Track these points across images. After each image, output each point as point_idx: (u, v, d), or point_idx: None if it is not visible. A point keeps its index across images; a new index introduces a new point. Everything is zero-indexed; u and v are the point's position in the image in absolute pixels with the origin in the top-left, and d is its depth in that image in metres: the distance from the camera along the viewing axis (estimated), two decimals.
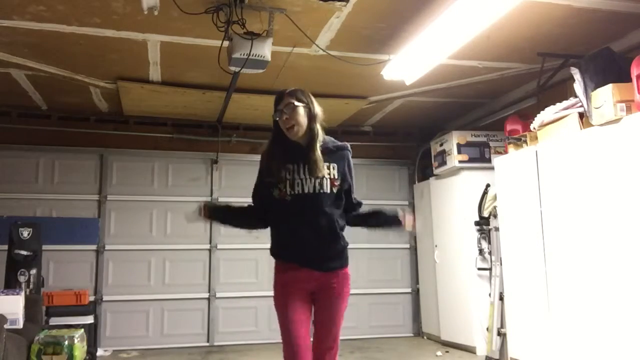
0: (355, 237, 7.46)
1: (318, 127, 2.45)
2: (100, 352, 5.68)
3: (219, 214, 2.64)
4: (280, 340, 2.37)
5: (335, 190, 2.42)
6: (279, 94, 2.48)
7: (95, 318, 5.44)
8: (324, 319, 2.43)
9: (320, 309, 2.44)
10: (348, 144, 2.58)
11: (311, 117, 2.44)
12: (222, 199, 6.52)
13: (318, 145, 2.42)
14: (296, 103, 2.41)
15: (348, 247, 2.51)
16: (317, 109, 2.47)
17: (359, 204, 2.61)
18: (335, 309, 2.43)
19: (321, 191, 2.38)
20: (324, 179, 2.39)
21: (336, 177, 2.43)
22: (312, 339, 2.46)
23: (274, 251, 2.50)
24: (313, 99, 2.49)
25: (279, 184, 2.38)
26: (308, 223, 2.38)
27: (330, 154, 2.47)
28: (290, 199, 2.36)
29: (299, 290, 2.40)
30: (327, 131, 2.58)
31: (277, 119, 2.43)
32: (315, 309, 2.45)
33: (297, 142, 2.45)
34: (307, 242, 2.39)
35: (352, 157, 2.60)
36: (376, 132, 7.09)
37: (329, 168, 2.43)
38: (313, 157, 2.39)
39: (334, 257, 2.44)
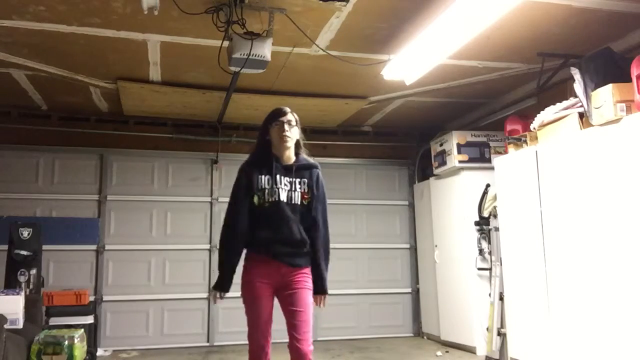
0: (355, 237, 7.46)
1: (301, 147, 2.92)
2: (100, 352, 5.67)
3: (228, 281, 2.88)
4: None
5: (305, 202, 2.81)
6: (280, 110, 2.87)
7: (95, 318, 5.43)
8: (294, 314, 2.72)
9: (291, 301, 2.74)
10: (318, 164, 2.94)
11: (298, 139, 2.89)
12: (222, 199, 6.53)
13: (293, 163, 2.85)
14: (294, 123, 2.85)
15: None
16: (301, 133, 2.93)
17: (318, 225, 2.86)
18: (305, 298, 2.76)
19: (293, 202, 2.77)
20: (296, 192, 2.80)
21: (306, 191, 2.82)
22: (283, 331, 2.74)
23: (251, 247, 2.81)
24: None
25: (258, 192, 2.75)
26: (281, 226, 2.74)
27: (303, 170, 2.86)
28: (268, 206, 2.74)
29: (265, 286, 2.75)
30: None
31: (276, 126, 2.82)
32: (286, 302, 2.76)
33: (277, 156, 2.83)
34: (279, 241, 2.74)
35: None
36: (376, 132, 7.08)
37: (300, 183, 2.82)
38: (291, 173, 2.82)
39: (299, 256, 2.79)
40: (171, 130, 6.51)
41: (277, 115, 2.85)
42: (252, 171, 2.80)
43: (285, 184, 2.77)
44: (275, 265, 2.74)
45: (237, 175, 2.87)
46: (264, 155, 2.84)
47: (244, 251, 2.83)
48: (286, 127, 2.80)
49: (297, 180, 2.81)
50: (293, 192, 2.78)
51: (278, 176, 2.77)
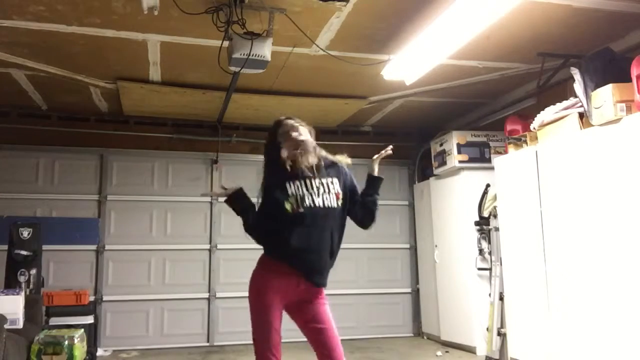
0: (355, 237, 7.46)
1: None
2: (100, 352, 5.67)
3: (242, 204, 2.64)
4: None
5: (340, 203, 2.56)
6: (281, 122, 2.64)
7: (95, 318, 5.44)
8: (329, 327, 2.52)
9: (314, 317, 2.53)
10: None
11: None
12: (222, 199, 6.51)
13: (318, 164, 2.58)
14: (301, 129, 2.60)
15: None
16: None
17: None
18: (328, 313, 2.56)
19: (329, 205, 2.51)
20: (330, 193, 2.53)
21: (339, 190, 2.57)
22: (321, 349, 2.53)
23: (273, 255, 2.56)
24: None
25: (289, 199, 2.47)
26: (313, 237, 2.48)
27: (328, 168, 2.62)
28: (303, 212, 2.46)
29: (281, 298, 2.50)
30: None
31: (286, 142, 2.56)
32: (307, 319, 2.54)
33: (298, 165, 2.55)
34: (311, 253, 2.49)
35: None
36: (376, 132, 7.08)
37: (332, 182, 2.57)
38: (320, 174, 2.56)
39: (324, 273, 2.55)
40: (171, 130, 6.51)
41: (281, 127, 2.60)
42: (278, 181, 2.51)
43: (316, 187, 2.52)
44: (295, 280, 2.48)
45: (262, 192, 2.59)
46: (284, 167, 2.54)
47: (261, 254, 2.61)
48: (294, 134, 2.55)
49: (329, 180, 2.56)
50: (328, 195, 2.52)
51: (308, 180, 2.51)
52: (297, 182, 2.50)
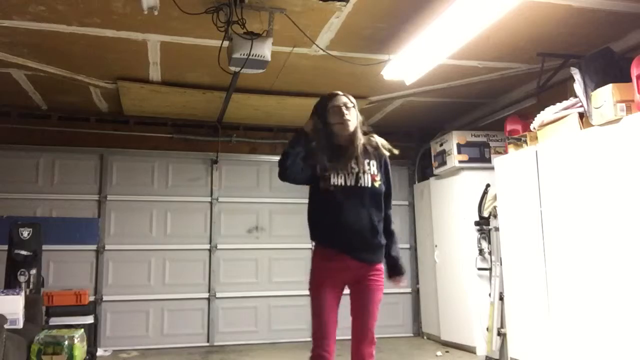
0: None
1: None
2: (100, 352, 5.68)
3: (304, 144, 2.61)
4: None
5: (376, 184, 2.58)
6: (333, 94, 2.67)
7: (95, 318, 5.44)
8: (359, 311, 2.55)
9: (355, 301, 2.56)
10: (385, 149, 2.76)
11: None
12: (222, 199, 6.53)
13: (359, 143, 2.62)
14: (350, 105, 2.64)
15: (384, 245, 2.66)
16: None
17: (388, 209, 2.73)
18: (370, 300, 2.55)
19: (362, 185, 2.55)
20: (365, 173, 2.57)
21: (375, 173, 2.60)
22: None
23: (315, 237, 2.64)
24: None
25: (323, 175, 2.53)
26: (348, 214, 2.51)
27: (369, 151, 2.66)
28: (333, 190, 2.51)
29: (333, 279, 2.54)
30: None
31: (333, 111, 2.60)
32: (351, 301, 2.57)
33: (340, 141, 2.62)
34: (346, 232, 2.51)
35: None
36: (376, 132, 7.05)
37: (368, 164, 2.60)
38: (353, 153, 2.59)
39: (368, 250, 2.57)
40: (171, 130, 6.50)
41: (331, 99, 2.64)
42: (317, 152, 2.56)
43: (352, 167, 2.56)
44: (341, 260, 2.52)
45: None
46: (326, 140, 2.60)
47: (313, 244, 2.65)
48: (344, 110, 2.59)
49: (365, 161, 2.60)
50: (362, 175, 2.56)
51: (344, 159, 2.56)
52: (334, 159, 2.54)
